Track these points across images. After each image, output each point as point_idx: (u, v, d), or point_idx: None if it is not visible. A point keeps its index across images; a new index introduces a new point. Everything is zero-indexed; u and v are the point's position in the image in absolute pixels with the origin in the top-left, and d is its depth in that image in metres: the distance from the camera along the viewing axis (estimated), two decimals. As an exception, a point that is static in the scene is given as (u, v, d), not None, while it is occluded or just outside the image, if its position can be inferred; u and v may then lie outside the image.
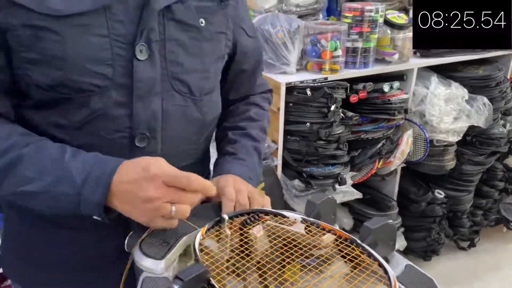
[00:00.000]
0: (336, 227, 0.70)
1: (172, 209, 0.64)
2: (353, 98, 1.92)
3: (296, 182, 1.88)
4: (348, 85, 1.85)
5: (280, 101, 1.76)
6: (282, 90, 1.74)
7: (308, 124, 1.81)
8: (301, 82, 1.77)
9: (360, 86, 1.93)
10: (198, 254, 0.60)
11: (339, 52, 1.83)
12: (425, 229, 2.43)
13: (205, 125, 0.88)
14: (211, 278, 0.53)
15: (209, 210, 0.74)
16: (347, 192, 2.02)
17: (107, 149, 0.74)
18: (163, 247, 0.63)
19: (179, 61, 0.78)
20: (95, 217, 0.69)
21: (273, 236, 0.67)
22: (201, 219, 0.69)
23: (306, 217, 0.71)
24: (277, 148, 1.84)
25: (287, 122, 1.83)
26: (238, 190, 0.78)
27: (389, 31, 1.97)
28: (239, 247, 0.65)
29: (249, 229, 0.67)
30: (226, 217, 0.69)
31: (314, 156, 1.88)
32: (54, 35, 0.68)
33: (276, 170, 1.87)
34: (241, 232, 0.68)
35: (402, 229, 2.42)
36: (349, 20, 1.88)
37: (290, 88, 1.78)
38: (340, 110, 1.86)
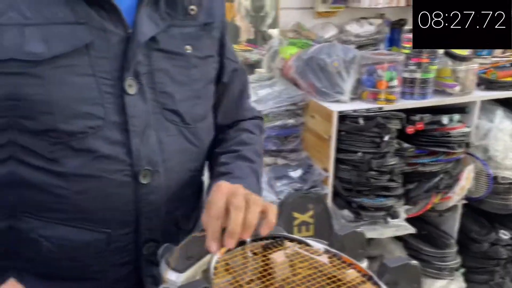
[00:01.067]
0: (363, 262, 0.69)
1: None
2: (409, 129, 1.87)
3: (346, 212, 1.85)
4: (404, 116, 1.81)
5: (332, 129, 1.76)
6: (334, 118, 1.74)
7: (359, 153, 1.79)
8: (354, 111, 1.77)
9: (417, 117, 1.88)
10: (212, 271, 0.61)
11: (395, 82, 1.81)
12: (488, 272, 2.27)
13: (203, 152, 0.87)
14: None
15: None
16: (400, 227, 1.94)
17: (110, 191, 0.73)
18: (187, 262, 0.65)
19: (169, 91, 0.77)
20: None
21: (293, 263, 0.67)
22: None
23: (329, 248, 0.70)
24: (327, 177, 1.84)
25: (338, 150, 1.82)
26: (232, 192, 0.69)
27: (450, 62, 1.92)
28: (253, 270, 0.66)
29: (270, 253, 0.68)
30: (248, 239, 0.70)
31: (365, 186, 1.84)
32: (36, 79, 0.66)
33: (326, 198, 1.86)
34: (262, 255, 0.68)
35: (462, 270, 2.28)
36: (407, 51, 1.86)
37: (343, 117, 1.77)
38: (395, 141, 1.82)
